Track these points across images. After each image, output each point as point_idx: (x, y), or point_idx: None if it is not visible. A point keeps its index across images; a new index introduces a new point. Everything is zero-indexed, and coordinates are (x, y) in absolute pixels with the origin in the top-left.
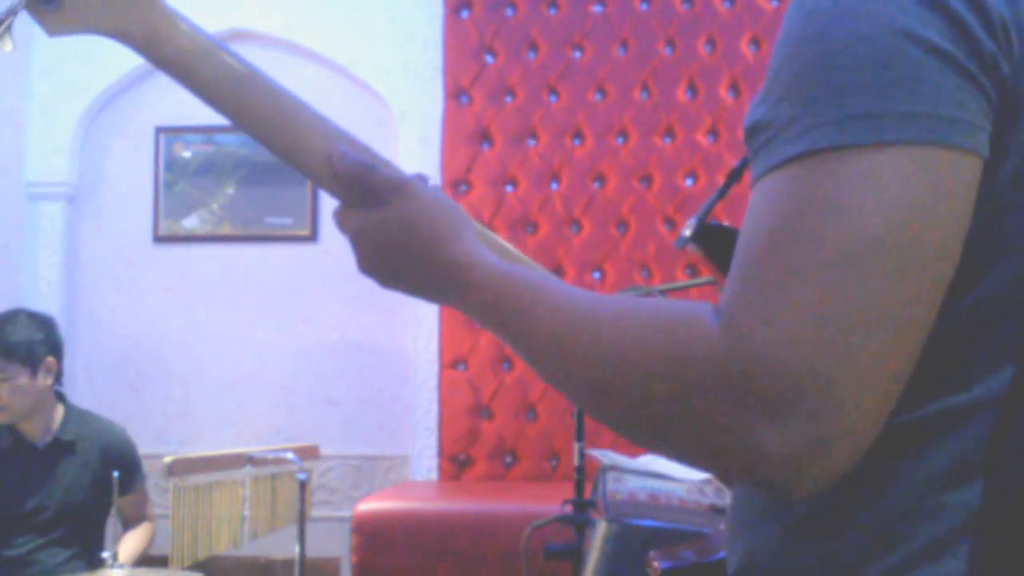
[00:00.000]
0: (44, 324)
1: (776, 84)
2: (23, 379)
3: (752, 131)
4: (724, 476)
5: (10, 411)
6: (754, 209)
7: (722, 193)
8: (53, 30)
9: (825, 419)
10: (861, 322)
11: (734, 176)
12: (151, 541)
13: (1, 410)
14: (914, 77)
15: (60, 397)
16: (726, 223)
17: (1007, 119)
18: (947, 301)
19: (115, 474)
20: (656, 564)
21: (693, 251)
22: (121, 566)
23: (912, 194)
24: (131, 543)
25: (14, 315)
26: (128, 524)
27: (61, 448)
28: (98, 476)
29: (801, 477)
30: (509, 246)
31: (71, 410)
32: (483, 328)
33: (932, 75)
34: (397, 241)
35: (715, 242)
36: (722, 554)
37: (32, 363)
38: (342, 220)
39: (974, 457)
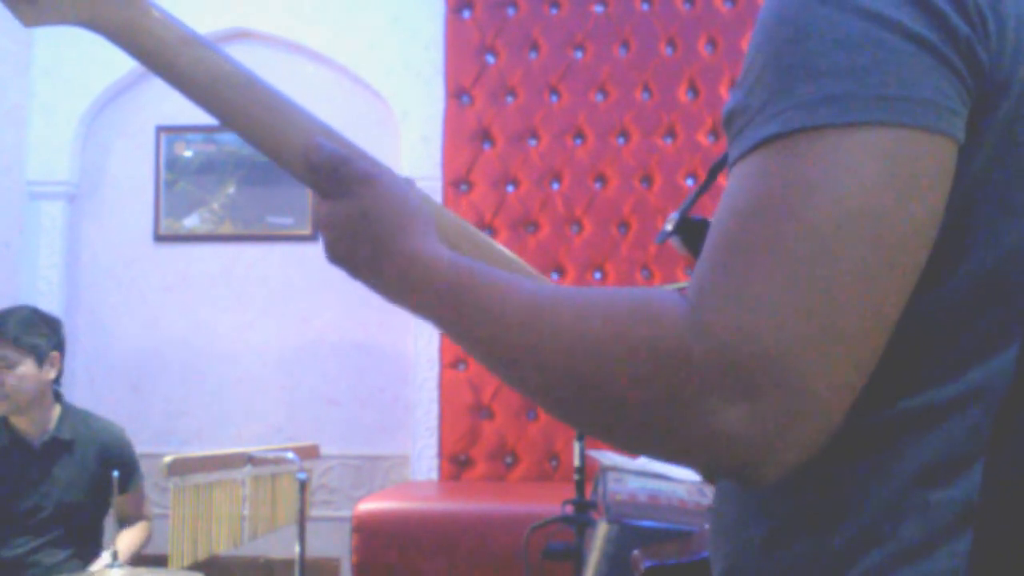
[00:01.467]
0: (52, 321)
1: (751, 70)
2: (29, 368)
3: (729, 118)
4: (690, 461)
5: (12, 400)
6: (728, 193)
7: (705, 187)
8: (28, 20)
9: (791, 400)
10: (828, 303)
11: (716, 170)
12: (147, 540)
13: (3, 397)
14: (887, 60)
15: (58, 397)
16: (710, 218)
17: (984, 104)
18: (923, 290)
19: (115, 474)
20: (640, 563)
21: (676, 246)
22: (121, 566)
23: (884, 175)
24: (127, 539)
25: (24, 308)
26: (125, 523)
27: (58, 447)
28: (95, 475)
29: (767, 460)
30: (502, 249)
31: (68, 409)
32: (439, 328)
33: (906, 58)
34: (357, 230)
35: (698, 237)
36: (706, 552)
37: (39, 354)
38: (315, 212)
39: (958, 453)
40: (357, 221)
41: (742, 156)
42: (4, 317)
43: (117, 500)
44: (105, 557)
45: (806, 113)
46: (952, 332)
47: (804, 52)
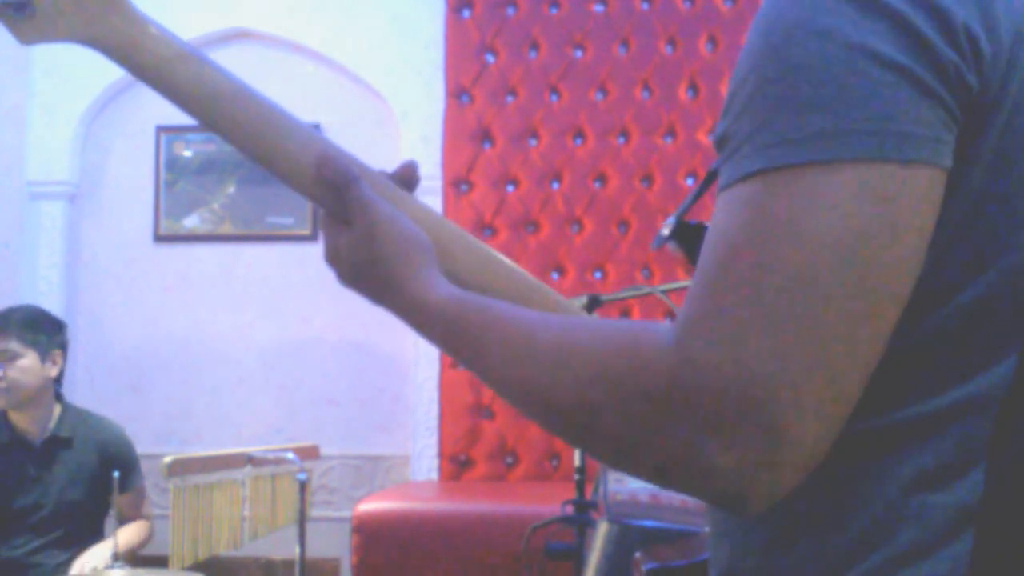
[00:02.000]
0: (56, 321)
1: (737, 98)
2: (31, 362)
3: (719, 143)
4: (675, 490)
5: (13, 393)
6: (714, 225)
7: (700, 193)
8: (26, 38)
9: (773, 439)
10: (811, 344)
11: (713, 176)
12: (148, 539)
13: (4, 391)
14: (868, 94)
15: (58, 396)
16: (706, 222)
17: (975, 124)
18: (929, 303)
19: (115, 473)
20: (642, 565)
21: (673, 250)
22: (122, 565)
23: (866, 212)
24: (125, 534)
25: (29, 305)
26: (124, 524)
27: (58, 445)
28: (95, 474)
29: (750, 495)
30: (495, 255)
31: (68, 408)
32: (447, 355)
33: (886, 90)
34: (359, 269)
35: (694, 241)
36: (705, 555)
37: (41, 350)
38: (324, 233)
39: (957, 458)
40: (359, 260)
41: (729, 185)
42: (9, 312)
43: (118, 499)
44: (101, 547)
45: (789, 150)
46: (956, 343)
47: (789, 84)
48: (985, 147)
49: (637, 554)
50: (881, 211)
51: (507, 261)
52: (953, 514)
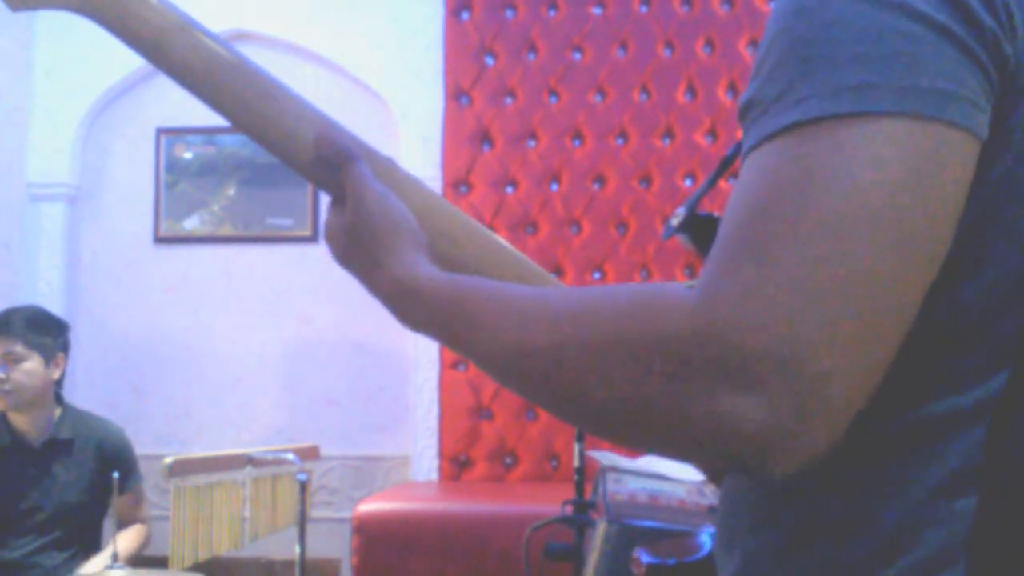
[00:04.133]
0: (60, 323)
1: (768, 59)
2: (35, 366)
3: (744, 109)
4: (700, 457)
5: (16, 396)
6: (741, 182)
7: (713, 182)
8: (15, 4)
9: (801, 395)
10: (845, 293)
11: (725, 165)
12: (146, 543)
13: (7, 393)
14: (911, 51)
15: (59, 398)
16: (716, 213)
17: (1009, 102)
18: (948, 291)
19: (115, 475)
20: (641, 561)
21: (683, 242)
22: (122, 566)
23: (907, 167)
24: (124, 540)
25: (33, 306)
26: (122, 525)
27: (58, 447)
28: (94, 475)
29: (778, 453)
30: (500, 241)
31: (68, 410)
32: (437, 341)
33: (930, 48)
34: (349, 247)
35: (704, 233)
36: (705, 551)
37: (46, 353)
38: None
39: (982, 461)
40: (349, 237)
41: (757, 145)
42: (13, 313)
43: (116, 501)
44: (102, 556)
45: (827, 101)
46: (977, 335)
47: (825, 42)
48: (1017, 128)
49: (636, 550)
50: (922, 169)
51: (511, 248)
52: (966, 524)
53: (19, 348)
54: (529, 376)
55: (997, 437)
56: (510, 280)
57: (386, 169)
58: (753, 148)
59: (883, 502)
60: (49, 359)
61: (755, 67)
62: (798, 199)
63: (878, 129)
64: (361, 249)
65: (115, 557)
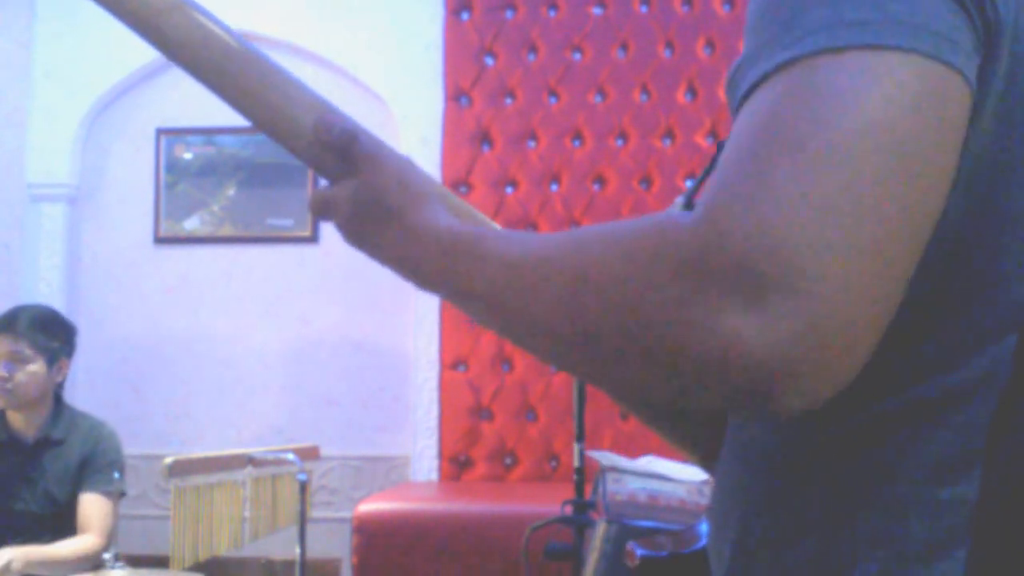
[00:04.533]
0: (69, 326)
1: (754, 15)
2: (39, 368)
3: (736, 69)
4: (706, 387)
5: (16, 396)
6: (740, 117)
7: (710, 170)
8: None
9: (808, 307)
10: (851, 208)
11: (721, 150)
12: (85, 557)
13: (8, 392)
14: None
15: (57, 398)
16: None
17: (989, 65)
18: (931, 263)
19: (117, 476)
20: (634, 553)
21: None
22: (123, 566)
23: (911, 96)
24: (65, 547)
25: (42, 306)
26: (79, 530)
27: (47, 446)
28: (76, 473)
29: (789, 376)
30: (495, 225)
31: (64, 409)
32: (455, 298)
33: None
34: (366, 208)
35: None
36: (700, 544)
37: (51, 356)
38: (315, 198)
39: (969, 448)
40: (365, 198)
41: (753, 87)
42: (21, 312)
43: (79, 496)
44: (10, 551)
45: (825, 35)
46: (961, 311)
47: None
48: (994, 89)
49: (630, 543)
50: (927, 101)
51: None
52: (968, 509)
53: (26, 349)
54: (534, 313)
55: (1001, 421)
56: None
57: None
58: (748, 92)
59: (869, 492)
60: (53, 363)
61: (746, 28)
62: (805, 118)
63: (881, 60)
64: (378, 205)
65: (115, 556)
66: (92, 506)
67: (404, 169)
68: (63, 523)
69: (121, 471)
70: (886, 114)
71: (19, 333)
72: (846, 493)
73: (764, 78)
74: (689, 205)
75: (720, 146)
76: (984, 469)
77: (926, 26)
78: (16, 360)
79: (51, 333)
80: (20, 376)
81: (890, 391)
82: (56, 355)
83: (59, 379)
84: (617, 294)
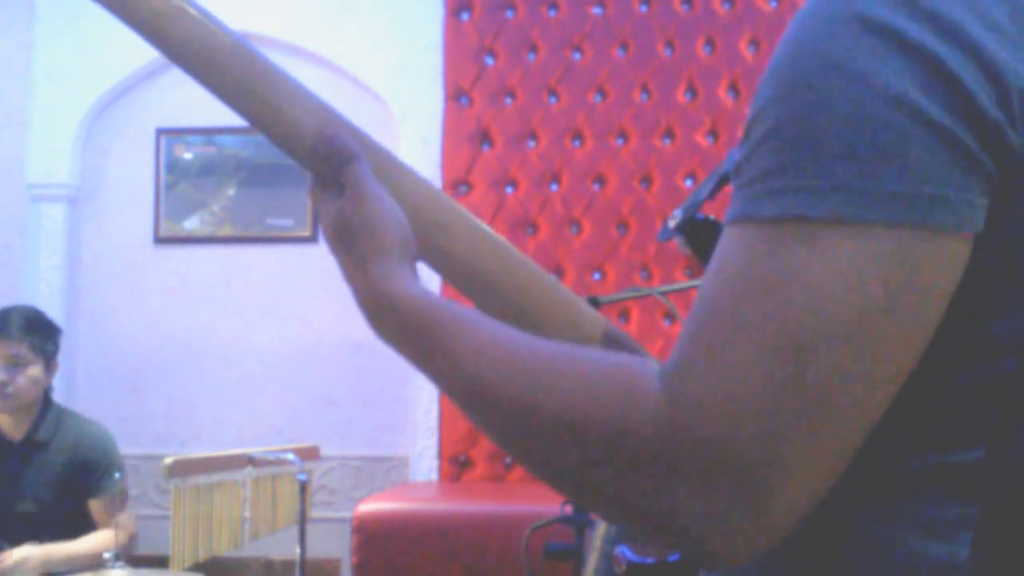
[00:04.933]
0: (56, 327)
1: (757, 125)
2: (38, 371)
3: (735, 170)
4: (650, 537)
5: (16, 400)
6: (718, 261)
7: (711, 195)
8: None
9: (756, 497)
10: (806, 410)
11: (725, 180)
12: (100, 549)
13: (10, 396)
14: (901, 152)
15: (46, 398)
16: (713, 216)
17: (1014, 187)
18: (965, 360)
19: (117, 476)
20: (622, 559)
21: (680, 244)
22: (123, 566)
23: (878, 278)
24: (72, 544)
25: (27, 307)
26: (96, 528)
27: (34, 447)
28: (64, 477)
29: (725, 549)
30: (495, 236)
31: (53, 409)
32: (405, 359)
33: (921, 149)
34: (339, 241)
35: (702, 236)
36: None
37: (47, 357)
38: (312, 196)
39: (963, 512)
40: (341, 228)
41: (739, 220)
42: (11, 313)
43: (90, 503)
44: (31, 548)
45: (809, 201)
46: (985, 399)
47: (816, 127)
48: (1017, 213)
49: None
50: (899, 280)
51: (507, 244)
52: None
53: (25, 352)
54: (484, 423)
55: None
56: (499, 275)
57: (384, 162)
58: (736, 221)
59: (877, 548)
60: (48, 364)
61: (748, 121)
62: (765, 302)
63: (860, 239)
64: (346, 245)
65: (115, 556)
66: (102, 508)
67: (380, 216)
68: (51, 524)
69: (121, 470)
70: (850, 311)
71: (16, 336)
72: (852, 552)
73: (747, 220)
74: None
75: (722, 178)
76: (975, 532)
77: (913, 191)
78: (15, 363)
79: (44, 334)
80: (21, 380)
81: (911, 457)
82: (51, 356)
83: (51, 380)
84: (570, 454)
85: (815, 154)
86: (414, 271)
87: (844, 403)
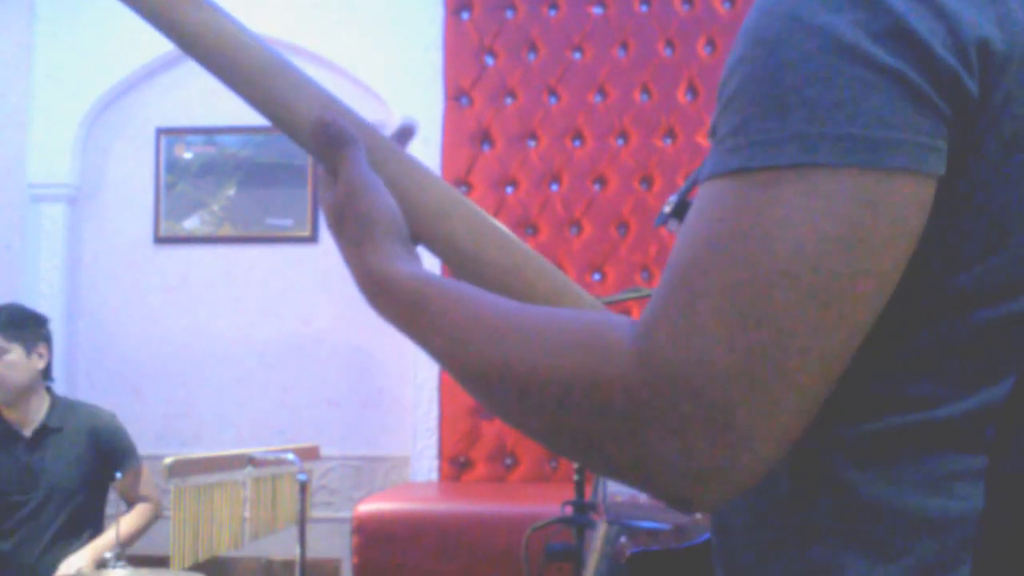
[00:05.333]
0: (39, 317)
1: (726, 88)
2: (18, 356)
3: (711, 130)
4: (629, 485)
5: (2, 388)
6: (690, 217)
7: (700, 173)
8: None
9: (728, 440)
10: (774, 350)
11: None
12: (150, 521)
13: None
14: (855, 97)
15: (48, 390)
16: None
17: (980, 132)
18: (944, 313)
19: (117, 474)
20: (626, 550)
21: (674, 229)
22: (124, 565)
23: (840, 220)
24: (126, 522)
25: (12, 303)
26: (130, 505)
27: (47, 435)
28: (87, 460)
29: (700, 494)
30: (494, 222)
31: (58, 399)
32: (402, 333)
33: (876, 95)
34: (336, 225)
35: None
36: (693, 541)
37: (27, 343)
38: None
39: (979, 465)
40: (336, 215)
41: (709, 178)
42: None
43: (117, 484)
44: (102, 539)
45: (770, 151)
46: (979, 346)
47: (774, 81)
48: (989, 153)
49: (622, 540)
50: (859, 219)
51: (501, 226)
52: (973, 527)
53: (5, 342)
54: (475, 390)
55: (1003, 444)
56: (497, 259)
57: (380, 147)
58: (707, 179)
59: (874, 506)
60: (31, 349)
61: (720, 85)
62: (733, 249)
63: (815, 182)
64: (344, 232)
65: (116, 557)
66: (132, 482)
67: (368, 200)
68: (74, 510)
69: (135, 447)
70: (810, 253)
71: None
72: (850, 506)
73: (716, 176)
74: (681, 205)
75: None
76: (987, 485)
77: (869, 135)
78: None
79: (20, 323)
80: (1, 368)
81: (906, 411)
82: (32, 341)
83: (41, 365)
84: (552, 409)
85: (775, 107)
86: (409, 251)
87: (813, 342)
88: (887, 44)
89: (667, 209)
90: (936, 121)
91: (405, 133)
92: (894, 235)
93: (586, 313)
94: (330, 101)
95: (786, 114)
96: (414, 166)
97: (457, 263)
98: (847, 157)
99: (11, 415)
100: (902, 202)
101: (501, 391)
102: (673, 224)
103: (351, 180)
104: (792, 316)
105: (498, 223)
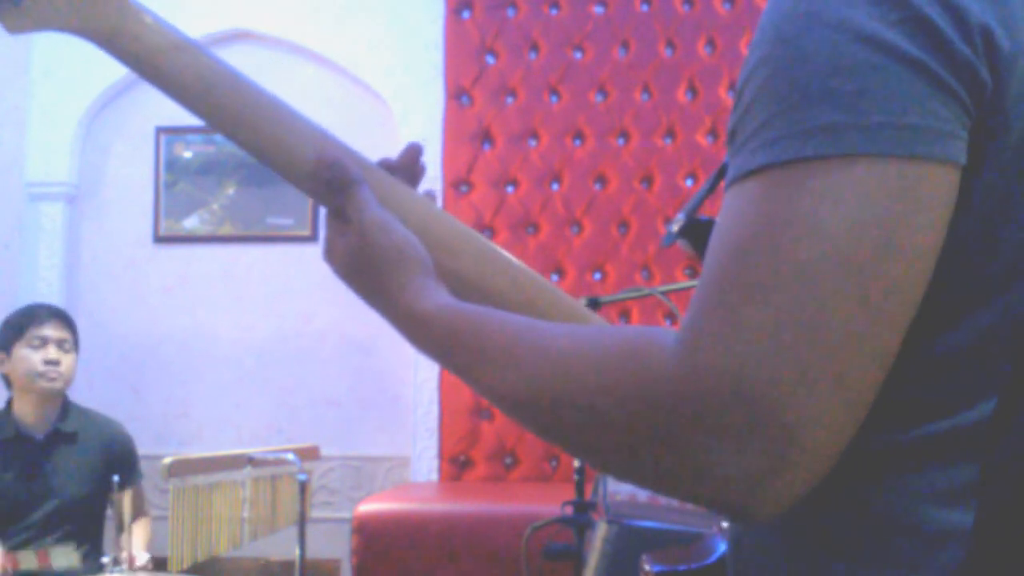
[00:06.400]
0: None
1: (747, 89)
2: (75, 360)
3: (730, 136)
4: (682, 498)
5: (63, 381)
6: (721, 222)
7: (711, 189)
8: (14, 27)
9: (779, 442)
10: (821, 347)
11: (722, 172)
12: (150, 536)
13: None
14: (880, 86)
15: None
16: (716, 217)
17: (992, 126)
18: (948, 318)
19: (115, 478)
20: (648, 568)
21: (683, 247)
22: (122, 569)
23: (874, 210)
24: (140, 532)
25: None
26: (132, 520)
27: (60, 439)
28: (97, 470)
29: (756, 504)
30: (500, 251)
31: (71, 405)
32: (441, 366)
33: (900, 83)
34: (353, 273)
35: (705, 238)
36: (713, 558)
37: (78, 350)
38: (327, 227)
39: (966, 481)
40: (351, 262)
41: (735, 180)
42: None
43: (121, 497)
44: (138, 551)
45: (797, 144)
46: (983, 360)
47: (799, 76)
48: (1004, 150)
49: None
50: (893, 208)
51: (512, 258)
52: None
53: (71, 338)
54: (522, 415)
55: (994, 455)
56: (508, 291)
57: (382, 185)
58: (733, 182)
59: (879, 515)
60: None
61: (738, 90)
62: (772, 250)
63: (846, 172)
64: (366, 277)
65: (115, 560)
66: (137, 497)
67: (395, 242)
68: (80, 516)
69: (139, 462)
70: (847, 241)
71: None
72: (855, 514)
73: (744, 176)
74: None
75: (722, 168)
76: (979, 500)
77: (896, 122)
78: (65, 347)
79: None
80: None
81: (910, 425)
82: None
83: None
84: (599, 423)
85: (799, 103)
86: (437, 283)
87: (858, 336)
88: (907, 34)
89: (674, 228)
90: (959, 111)
91: (412, 154)
92: (929, 223)
93: (625, 328)
94: (327, 138)
95: (811, 108)
96: (418, 203)
97: (466, 294)
98: (876, 146)
99: (26, 417)
100: (933, 191)
101: (551, 413)
102: (682, 243)
103: (364, 223)
104: (835, 314)
105: (509, 256)
